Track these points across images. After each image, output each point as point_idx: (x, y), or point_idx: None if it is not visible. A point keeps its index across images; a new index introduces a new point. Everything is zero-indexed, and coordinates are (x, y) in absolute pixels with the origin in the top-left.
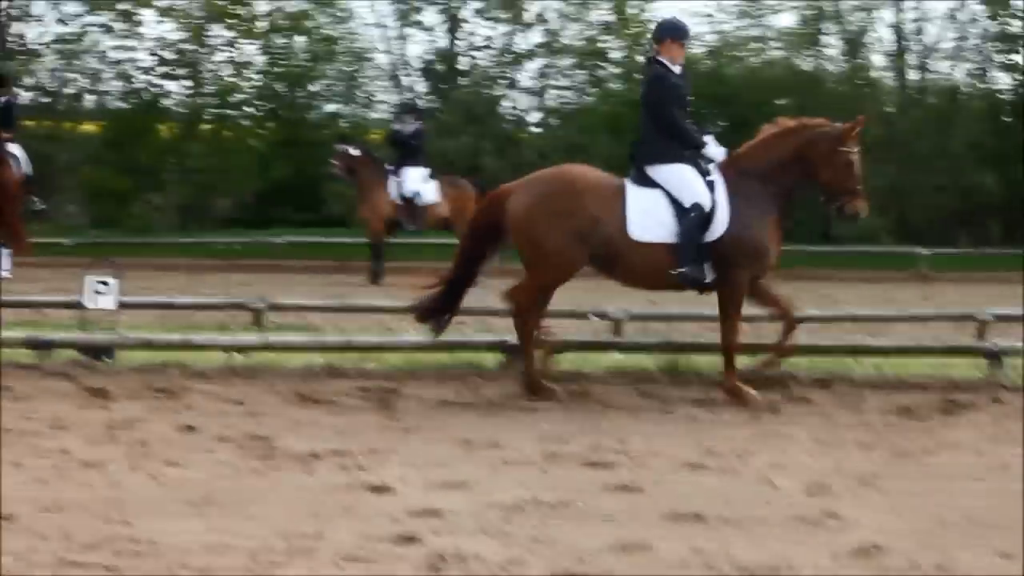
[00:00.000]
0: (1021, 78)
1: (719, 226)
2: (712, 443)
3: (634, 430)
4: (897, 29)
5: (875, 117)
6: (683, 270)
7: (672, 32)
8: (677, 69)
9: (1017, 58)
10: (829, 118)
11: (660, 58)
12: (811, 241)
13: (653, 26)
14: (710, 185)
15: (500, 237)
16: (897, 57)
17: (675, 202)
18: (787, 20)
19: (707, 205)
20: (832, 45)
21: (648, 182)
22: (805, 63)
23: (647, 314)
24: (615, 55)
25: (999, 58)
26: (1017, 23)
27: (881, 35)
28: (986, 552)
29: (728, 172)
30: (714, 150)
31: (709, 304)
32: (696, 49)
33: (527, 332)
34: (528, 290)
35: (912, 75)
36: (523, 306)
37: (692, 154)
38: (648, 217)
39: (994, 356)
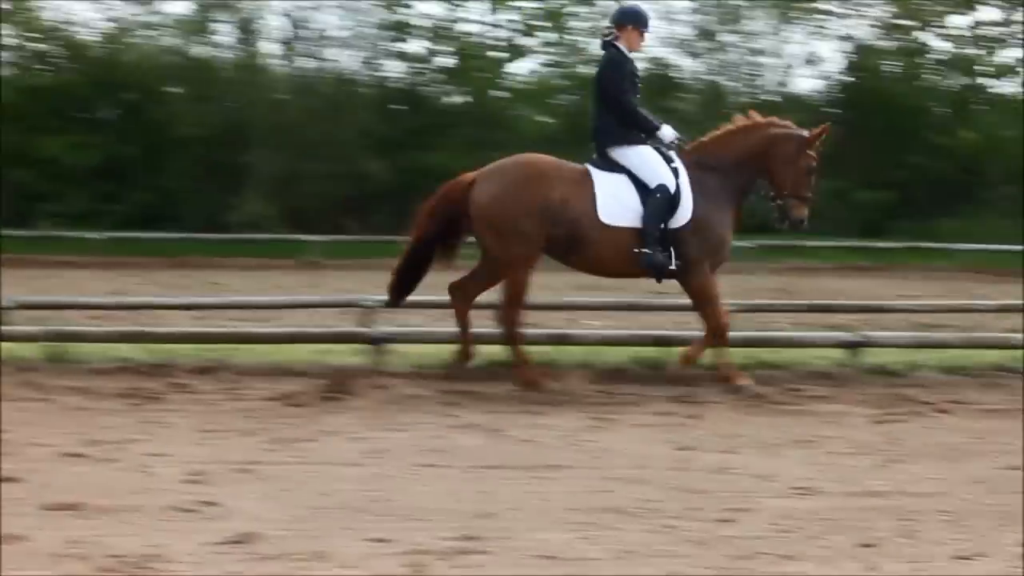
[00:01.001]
0: (411, 66)
1: (684, 213)
2: (93, 432)
3: (14, 420)
4: (290, 16)
5: (267, 104)
6: (647, 251)
7: (635, 19)
8: (632, 56)
9: (407, 46)
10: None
11: (617, 43)
12: (194, 228)
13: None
14: (674, 172)
15: (460, 226)
16: (289, 45)
17: (639, 185)
18: (180, 7)
19: (672, 187)
20: (225, 32)
21: (610, 167)
22: (198, 50)
23: (33, 302)
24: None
25: (390, 46)
26: (408, 12)
27: (274, 22)
28: (361, 537)
29: (689, 161)
30: (668, 134)
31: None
32: (90, 35)
33: (513, 328)
34: (515, 291)
35: (305, 62)
36: (516, 312)
37: (650, 139)
38: (616, 201)
39: (376, 342)
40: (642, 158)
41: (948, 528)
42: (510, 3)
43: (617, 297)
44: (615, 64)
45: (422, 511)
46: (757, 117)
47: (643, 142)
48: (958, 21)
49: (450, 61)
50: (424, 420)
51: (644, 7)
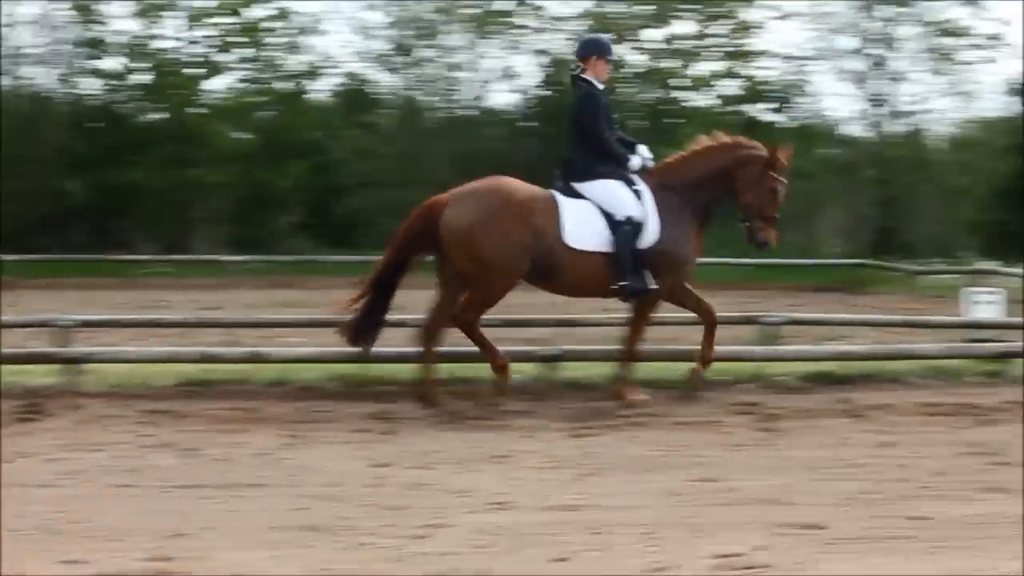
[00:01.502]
0: (107, 83)
1: (649, 236)
2: None
3: None
4: None
5: None
6: (625, 283)
7: (598, 50)
8: (601, 86)
9: (103, 63)
10: None
11: (586, 76)
12: None
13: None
14: (637, 194)
15: (429, 249)
16: None
17: (607, 215)
18: None
19: (639, 217)
20: None
21: (576, 194)
22: None
23: None
24: None
25: (86, 63)
26: (103, 28)
27: None
28: (56, 559)
29: (652, 183)
30: (636, 164)
31: None
32: None
33: (479, 339)
34: (473, 306)
35: (1, 80)
36: (471, 322)
37: (617, 169)
38: (584, 227)
39: (72, 362)
40: (607, 191)
41: (641, 540)
42: (206, 19)
43: (312, 314)
44: (590, 99)
45: (117, 532)
46: (724, 138)
47: (608, 175)
48: (653, 35)
49: (147, 78)
50: (120, 440)
51: (604, 37)
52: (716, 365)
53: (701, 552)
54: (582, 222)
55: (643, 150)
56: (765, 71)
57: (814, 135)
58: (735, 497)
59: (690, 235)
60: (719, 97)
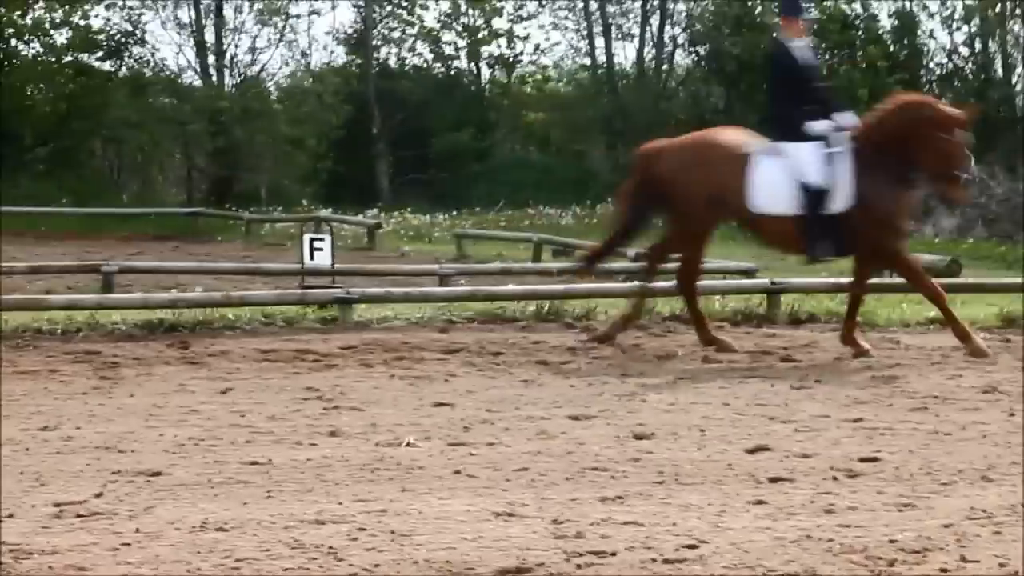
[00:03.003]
0: None
1: (842, 198)
2: None
3: None
4: None
5: None
6: (812, 244)
7: (786, 8)
8: (799, 44)
9: None
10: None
11: (778, 36)
12: None
13: None
14: (836, 158)
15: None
16: None
17: (797, 178)
18: None
19: (821, 183)
20: None
21: (777, 152)
22: None
23: None
24: None
25: None
26: None
27: None
28: None
29: (857, 143)
30: (818, 128)
31: None
32: None
33: (693, 300)
34: (689, 266)
35: None
36: (690, 282)
37: (817, 130)
38: (770, 189)
39: None
40: (798, 154)
41: None
42: None
43: None
44: (773, 63)
45: None
46: (902, 97)
47: (803, 138)
48: None
49: None
50: None
51: None
52: (55, 314)
53: (39, 501)
54: (770, 184)
55: (846, 117)
56: (98, 20)
57: (149, 84)
58: (73, 445)
59: (895, 195)
60: (45, 46)
